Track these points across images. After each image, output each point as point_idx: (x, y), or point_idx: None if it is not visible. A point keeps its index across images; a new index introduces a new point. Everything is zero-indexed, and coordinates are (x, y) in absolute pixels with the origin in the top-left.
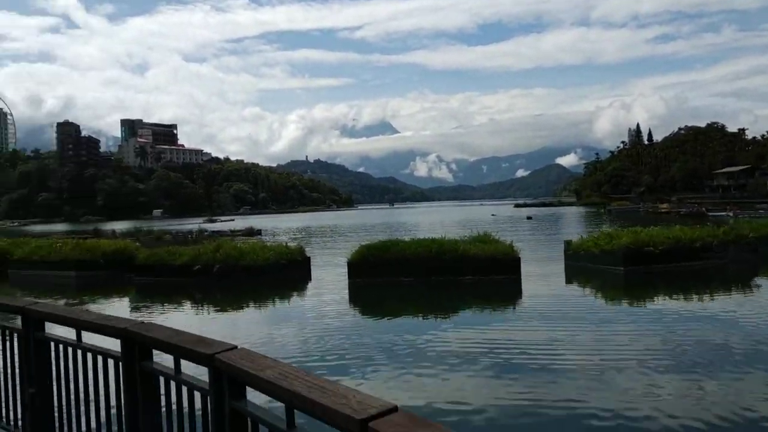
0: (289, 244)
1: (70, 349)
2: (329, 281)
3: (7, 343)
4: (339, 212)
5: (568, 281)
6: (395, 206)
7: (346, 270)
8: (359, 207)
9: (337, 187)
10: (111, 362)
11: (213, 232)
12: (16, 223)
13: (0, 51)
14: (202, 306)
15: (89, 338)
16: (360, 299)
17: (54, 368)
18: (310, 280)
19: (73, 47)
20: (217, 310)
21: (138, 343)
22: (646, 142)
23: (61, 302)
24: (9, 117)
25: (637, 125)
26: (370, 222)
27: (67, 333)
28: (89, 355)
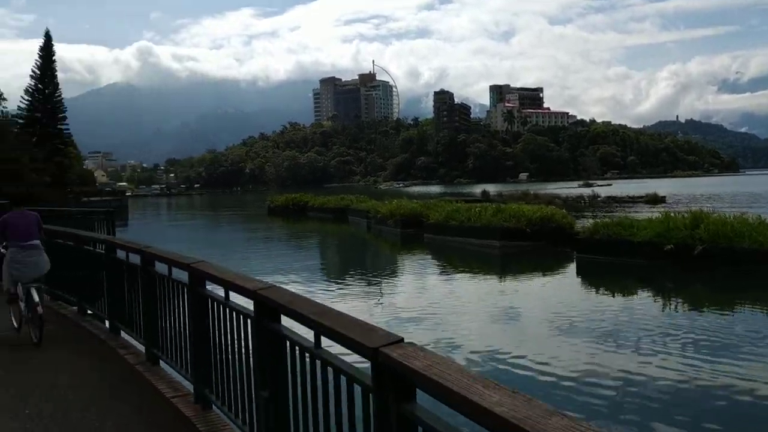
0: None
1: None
2: None
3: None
4: (722, 178)
5: None
6: None
7: None
8: (746, 172)
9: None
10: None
11: (607, 197)
12: (400, 185)
13: (386, 31)
14: (669, 300)
15: None
16: None
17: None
18: None
19: (446, 20)
20: (691, 308)
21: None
22: None
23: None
24: (394, 89)
25: None
26: None
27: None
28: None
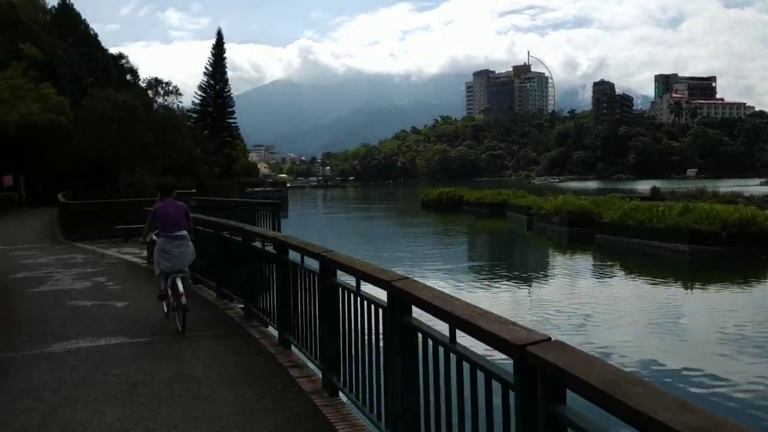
0: None
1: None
2: None
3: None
4: None
5: None
6: None
7: None
8: None
9: None
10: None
11: None
12: (555, 180)
13: (541, 21)
14: None
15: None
16: None
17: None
18: None
19: (608, 8)
20: None
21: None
22: None
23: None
24: (550, 81)
25: None
26: None
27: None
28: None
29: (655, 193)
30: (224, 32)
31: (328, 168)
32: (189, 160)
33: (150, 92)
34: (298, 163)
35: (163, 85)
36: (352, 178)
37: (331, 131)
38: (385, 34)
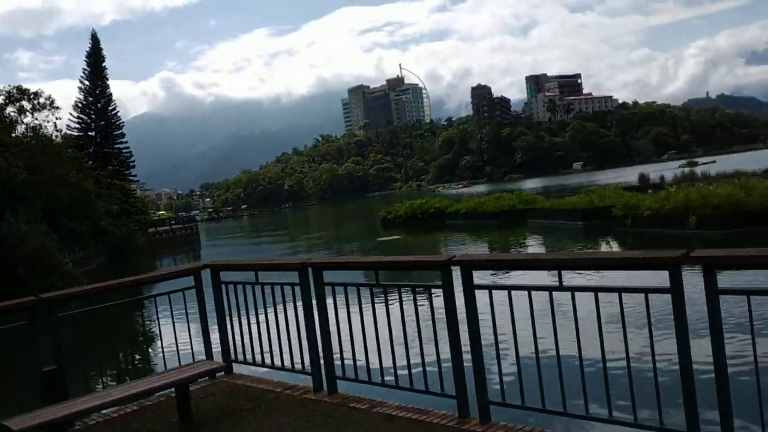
0: None
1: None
2: None
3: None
4: None
5: None
6: None
7: None
8: None
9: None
10: None
11: None
12: (451, 187)
13: (400, 37)
14: None
15: None
16: None
17: None
18: None
19: (465, 19)
20: None
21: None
22: None
23: None
24: (424, 91)
25: None
26: None
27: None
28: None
29: (644, 182)
30: (77, 70)
31: (208, 200)
32: (79, 196)
33: (10, 110)
34: (175, 197)
35: (30, 97)
36: (245, 206)
37: (205, 162)
38: (251, 60)
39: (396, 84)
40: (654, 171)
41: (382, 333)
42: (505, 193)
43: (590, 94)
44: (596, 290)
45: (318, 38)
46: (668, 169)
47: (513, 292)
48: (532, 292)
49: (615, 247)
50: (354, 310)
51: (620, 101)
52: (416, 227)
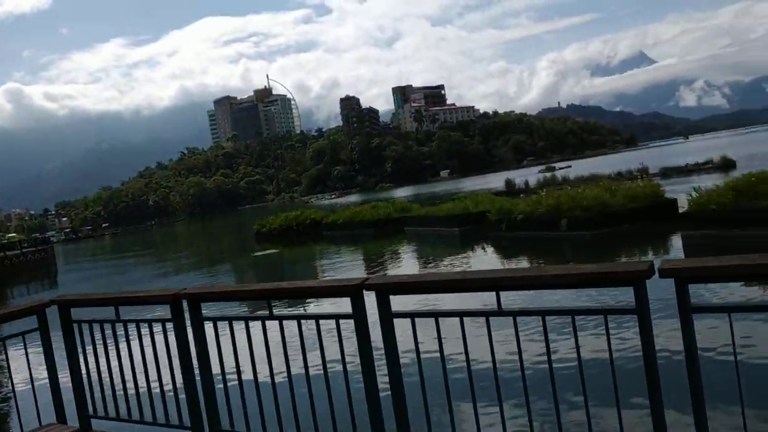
0: None
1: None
2: None
3: None
4: (639, 152)
5: None
6: (690, 139)
7: None
8: (649, 145)
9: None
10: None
11: (664, 169)
12: (324, 197)
13: (266, 48)
14: None
15: None
16: None
17: None
18: None
19: (331, 32)
20: None
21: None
22: None
23: None
24: (292, 102)
25: None
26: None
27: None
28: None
29: (510, 187)
30: None
31: (65, 219)
32: None
33: None
34: (27, 218)
35: None
36: (106, 225)
37: (60, 179)
38: (108, 70)
39: (264, 95)
40: (517, 176)
41: (279, 373)
42: (378, 202)
43: (454, 104)
44: (544, 314)
45: (181, 48)
46: (530, 175)
47: (442, 319)
48: (464, 319)
49: (490, 252)
50: (242, 345)
51: (481, 111)
52: (292, 240)
